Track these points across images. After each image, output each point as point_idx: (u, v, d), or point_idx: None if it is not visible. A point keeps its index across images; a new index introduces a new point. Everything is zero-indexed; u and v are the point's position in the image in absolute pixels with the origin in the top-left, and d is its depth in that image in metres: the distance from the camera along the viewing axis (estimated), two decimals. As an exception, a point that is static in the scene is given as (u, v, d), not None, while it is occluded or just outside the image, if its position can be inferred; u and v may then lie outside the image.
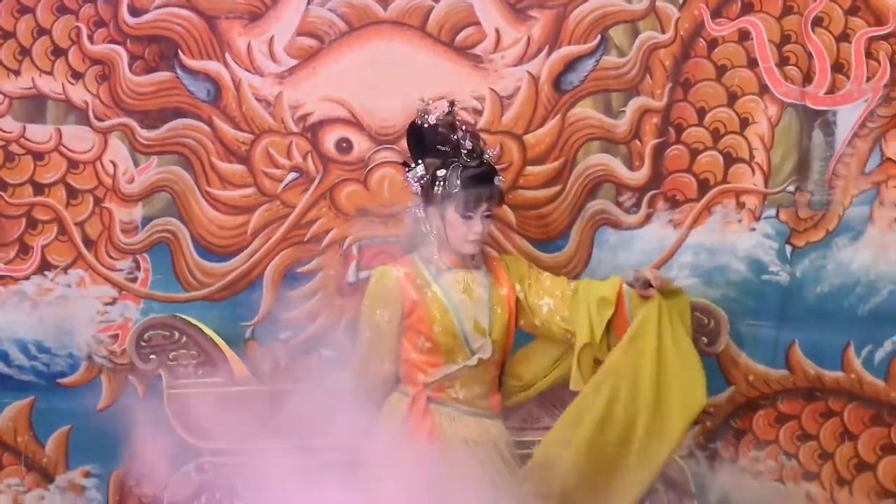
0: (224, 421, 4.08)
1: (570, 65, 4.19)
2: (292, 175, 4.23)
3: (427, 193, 3.66)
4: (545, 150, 4.19)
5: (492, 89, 4.18)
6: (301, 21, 4.20)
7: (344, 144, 4.22)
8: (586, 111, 4.20)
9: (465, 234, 3.62)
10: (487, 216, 3.65)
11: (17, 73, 4.25)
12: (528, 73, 4.18)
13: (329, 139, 4.22)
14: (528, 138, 4.19)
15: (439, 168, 3.64)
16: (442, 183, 3.61)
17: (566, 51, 4.19)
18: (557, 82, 4.19)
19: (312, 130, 4.22)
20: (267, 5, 4.20)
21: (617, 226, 4.21)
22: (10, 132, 4.25)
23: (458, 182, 3.60)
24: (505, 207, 4.10)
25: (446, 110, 3.68)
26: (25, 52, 4.24)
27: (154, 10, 4.21)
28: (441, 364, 3.67)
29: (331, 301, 4.22)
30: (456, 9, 4.18)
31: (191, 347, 4.21)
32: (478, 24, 4.19)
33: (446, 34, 4.19)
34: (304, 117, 4.22)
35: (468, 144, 3.64)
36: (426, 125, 3.66)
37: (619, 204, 4.21)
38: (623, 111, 4.20)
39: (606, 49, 4.19)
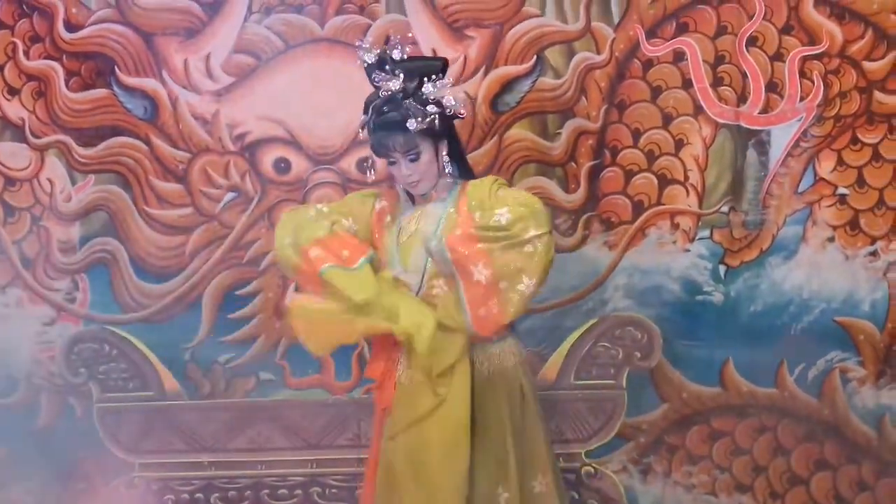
0: (154, 436, 4.41)
1: (507, 85, 4.41)
2: (230, 195, 4.44)
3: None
4: (482, 171, 4.33)
5: (429, 110, 4.42)
6: (238, 38, 4.40)
7: (282, 164, 4.43)
8: (523, 132, 4.42)
9: (399, 179, 3.65)
10: (413, 159, 3.61)
11: (-49, 87, 4.43)
12: (465, 93, 4.39)
13: (267, 159, 4.43)
14: (466, 160, 4.44)
15: (363, 117, 3.65)
16: (363, 130, 3.65)
17: (503, 71, 4.41)
18: (494, 103, 4.41)
19: (250, 150, 4.43)
20: (204, 22, 4.40)
21: (555, 248, 4.39)
22: (-54, 147, 4.44)
23: (371, 129, 3.61)
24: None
25: (380, 49, 3.65)
26: (-39, 67, 4.43)
27: (90, 26, 4.41)
28: None
29: (269, 324, 4.45)
30: (393, 27, 4.37)
31: (121, 361, 4.45)
32: (415, 43, 4.36)
33: (384, 53, 4.43)
34: (241, 136, 4.43)
35: (390, 85, 3.60)
36: (364, 65, 3.64)
37: (554, 226, 4.36)
38: (559, 133, 4.42)
39: (543, 70, 4.41)
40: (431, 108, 3.57)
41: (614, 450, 4.54)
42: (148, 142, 4.43)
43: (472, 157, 4.36)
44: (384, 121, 3.57)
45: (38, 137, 4.45)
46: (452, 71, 4.38)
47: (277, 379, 4.48)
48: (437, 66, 3.65)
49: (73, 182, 4.46)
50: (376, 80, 3.61)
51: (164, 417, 4.45)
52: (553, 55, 4.43)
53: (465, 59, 4.42)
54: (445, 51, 4.39)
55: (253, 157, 4.44)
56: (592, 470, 4.50)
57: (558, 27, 4.41)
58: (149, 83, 4.44)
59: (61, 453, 4.46)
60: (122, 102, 4.44)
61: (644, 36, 4.41)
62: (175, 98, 4.43)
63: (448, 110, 3.63)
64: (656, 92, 4.44)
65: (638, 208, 4.46)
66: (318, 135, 4.43)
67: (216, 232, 4.45)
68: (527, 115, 4.44)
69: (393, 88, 3.58)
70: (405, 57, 3.63)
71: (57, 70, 4.43)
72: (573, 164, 4.45)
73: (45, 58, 4.43)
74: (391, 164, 3.62)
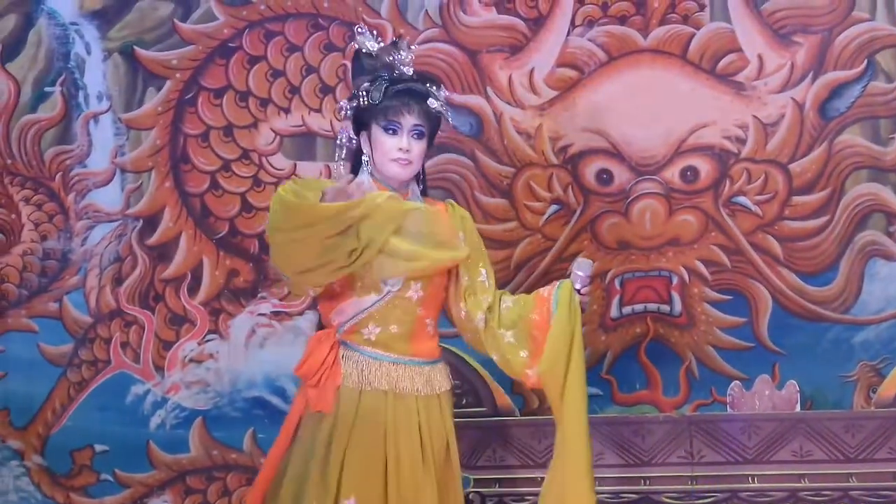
0: (488, 451, 4.70)
1: (836, 91, 4.57)
2: (553, 208, 4.72)
3: (356, 117, 3.78)
4: (811, 178, 4.56)
5: (755, 117, 4.60)
6: (561, 52, 4.71)
7: (604, 176, 4.70)
8: (853, 138, 4.56)
9: (389, 150, 3.69)
10: (417, 136, 3.71)
11: (287, 111, 4.89)
12: (793, 99, 4.57)
13: (589, 171, 4.70)
14: (794, 167, 4.58)
15: (363, 84, 3.75)
16: (366, 95, 3.71)
17: (832, 76, 4.57)
18: (823, 109, 4.57)
19: (572, 162, 4.70)
20: (527, 37, 4.74)
21: (889, 257, 4.55)
22: (282, 169, 4.89)
23: (381, 94, 3.68)
24: (771, 239, 4.58)
25: (392, 40, 3.88)
26: (295, 90, 4.89)
27: (418, 46, 4.75)
28: (354, 299, 3.73)
29: (595, 337, 4.68)
30: (717, 36, 4.63)
31: (455, 377, 4.73)
32: (739, 50, 4.61)
33: (707, 61, 4.63)
34: (564, 149, 4.71)
35: (404, 65, 3.77)
36: (365, 50, 3.77)
37: (890, 234, 4.54)
38: (892, 138, 4.54)
39: (873, 74, 4.55)
40: (445, 105, 3.78)
41: (965, 472, 4.52)
42: (473, 157, 4.76)
43: (799, 165, 4.60)
44: (410, 87, 3.74)
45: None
46: (779, 78, 4.61)
47: (605, 394, 4.68)
48: (437, 81, 3.87)
49: (404, 198, 4.87)
50: (392, 57, 3.76)
51: (497, 433, 4.71)
52: (885, 59, 4.57)
53: (793, 65, 4.59)
54: (772, 56, 4.60)
55: (575, 170, 4.71)
56: (936, 491, 4.55)
57: (891, 31, 4.55)
58: (474, 100, 4.79)
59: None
60: (448, 119, 4.83)
61: (979, 40, 4.46)
62: (500, 114, 4.75)
63: (441, 126, 3.84)
64: None
65: (980, 215, 4.49)
66: (639, 145, 4.67)
67: (539, 244, 4.73)
68: (857, 120, 4.57)
69: (404, 66, 3.77)
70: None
71: (387, 91, 4.87)
72: (908, 169, 4.52)
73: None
74: (391, 131, 3.70)
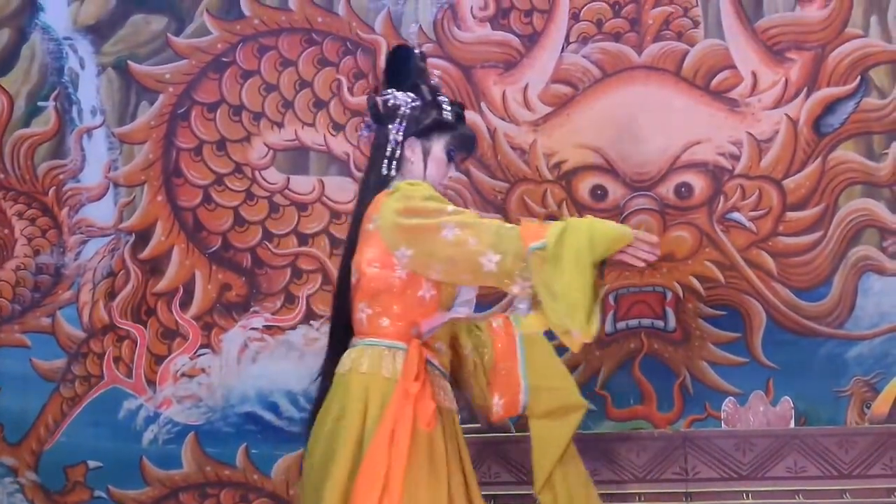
0: (483, 467, 4.72)
1: (830, 107, 4.62)
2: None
3: (417, 119, 3.60)
4: (805, 194, 4.61)
5: (749, 133, 4.65)
6: (555, 68, 4.76)
7: (599, 192, 4.75)
8: (847, 154, 4.61)
9: (444, 174, 3.64)
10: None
11: (280, 125, 4.93)
12: (787, 116, 4.62)
13: (583, 186, 4.75)
14: (788, 183, 4.62)
15: (439, 96, 3.65)
16: (445, 109, 3.62)
17: (825, 93, 4.63)
18: (816, 125, 4.62)
19: (567, 178, 4.74)
20: (521, 53, 4.79)
21: (882, 272, 4.59)
22: (275, 183, 4.93)
23: (456, 119, 3.62)
24: (765, 255, 4.62)
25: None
26: (288, 104, 4.93)
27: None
28: (436, 313, 3.52)
29: (588, 351, 4.69)
30: (711, 52, 4.68)
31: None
32: (733, 67, 4.66)
33: (701, 78, 4.68)
34: (558, 165, 4.76)
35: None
36: (419, 52, 3.71)
37: (883, 249, 4.58)
38: (886, 154, 4.59)
39: (867, 90, 4.61)
40: None
41: (955, 490, 4.53)
42: (467, 172, 4.79)
43: (793, 181, 4.64)
44: (466, 117, 3.72)
45: (362, 171, 4.90)
46: (773, 94, 4.66)
47: (599, 409, 4.69)
48: None
49: (396, 213, 4.90)
50: (434, 81, 3.71)
51: (492, 449, 4.63)
52: (878, 75, 4.62)
53: (786, 81, 4.64)
54: (765, 73, 4.65)
55: (569, 185, 4.75)
56: (927, 509, 4.58)
57: (883, 47, 4.61)
58: (468, 115, 4.74)
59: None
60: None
61: (974, 53, 4.50)
62: (493, 129, 4.80)
63: None
64: None
65: (969, 231, 4.53)
66: (634, 161, 4.71)
67: (534, 260, 4.80)
68: (851, 136, 4.62)
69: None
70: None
71: (381, 104, 4.91)
72: (901, 184, 4.56)
73: (369, 93, 4.88)
74: (451, 157, 3.63)
